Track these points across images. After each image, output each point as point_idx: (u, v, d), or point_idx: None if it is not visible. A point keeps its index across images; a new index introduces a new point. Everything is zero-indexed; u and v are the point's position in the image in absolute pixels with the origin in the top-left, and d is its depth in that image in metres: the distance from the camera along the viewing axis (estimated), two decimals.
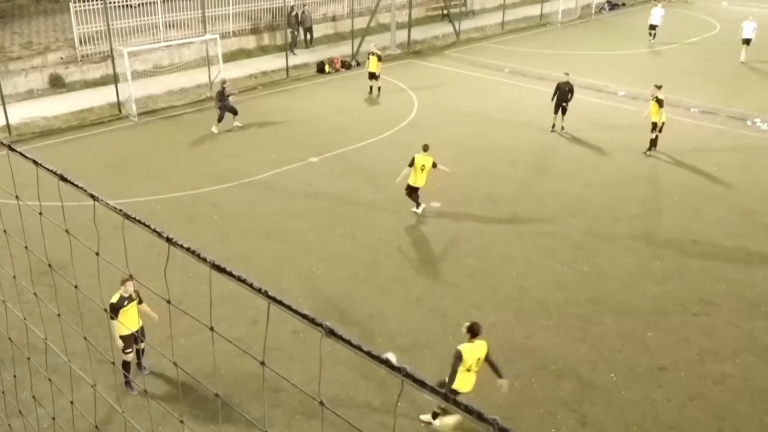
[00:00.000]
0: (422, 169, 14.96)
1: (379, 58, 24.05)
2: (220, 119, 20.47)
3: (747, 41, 29.31)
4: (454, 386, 8.88)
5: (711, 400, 10.19)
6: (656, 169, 18.33)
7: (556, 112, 20.62)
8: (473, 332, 8.86)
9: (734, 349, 11.28)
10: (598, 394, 10.25)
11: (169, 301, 2.83)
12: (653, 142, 19.23)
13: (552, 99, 20.64)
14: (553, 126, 20.77)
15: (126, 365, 10.01)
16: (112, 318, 9.29)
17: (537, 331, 11.67)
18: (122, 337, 9.71)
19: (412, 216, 15.58)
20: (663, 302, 12.54)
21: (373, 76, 24.04)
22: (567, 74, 20.75)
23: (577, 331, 11.70)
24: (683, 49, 32.31)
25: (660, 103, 18.88)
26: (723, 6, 42.68)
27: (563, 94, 20.44)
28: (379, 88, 24.20)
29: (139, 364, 10.42)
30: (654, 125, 19.05)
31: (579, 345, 11.34)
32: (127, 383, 10.15)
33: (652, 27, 32.71)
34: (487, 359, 9.00)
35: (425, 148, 15.10)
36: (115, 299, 9.49)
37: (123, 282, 9.44)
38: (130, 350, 9.92)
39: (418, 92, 24.76)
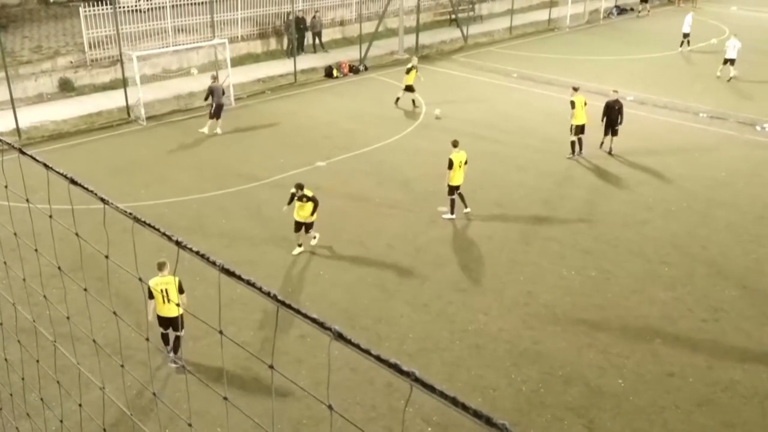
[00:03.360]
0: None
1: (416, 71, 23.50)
2: (211, 116, 20.65)
3: (731, 61, 27.16)
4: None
5: (719, 406, 10.13)
6: (664, 173, 18.26)
7: (606, 134, 19.18)
8: (297, 186, 13.79)
9: (743, 356, 11.21)
10: (606, 400, 10.21)
11: (178, 305, 2.84)
12: (573, 146, 19.16)
13: (602, 119, 19.10)
14: (602, 143, 19.45)
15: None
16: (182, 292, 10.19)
17: (545, 337, 11.63)
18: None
19: (420, 221, 15.58)
20: (671, 308, 12.49)
21: (410, 88, 23.28)
22: (616, 92, 19.29)
23: (584, 336, 11.66)
24: (692, 53, 32.24)
25: (571, 105, 18.90)
26: (732, 11, 42.58)
27: (613, 114, 18.90)
28: (398, 100, 23.68)
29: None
30: (570, 128, 19.03)
31: (587, 351, 11.30)
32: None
33: (685, 35, 32.12)
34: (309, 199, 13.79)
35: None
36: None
37: (162, 266, 10.26)
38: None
39: (425, 96, 24.76)
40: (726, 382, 10.61)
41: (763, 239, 14.96)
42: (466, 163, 15.54)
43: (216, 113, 20.67)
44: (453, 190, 15.54)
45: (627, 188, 17.51)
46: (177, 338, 10.55)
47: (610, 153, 19.35)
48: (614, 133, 19.19)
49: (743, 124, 22.24)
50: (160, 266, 10.18)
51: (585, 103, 19.21)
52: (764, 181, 17.91)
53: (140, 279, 3.02)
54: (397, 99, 23.73)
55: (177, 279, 10.11)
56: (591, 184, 17.70)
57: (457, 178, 15.44)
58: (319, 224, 15.42)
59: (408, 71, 23.41)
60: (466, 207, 15.75)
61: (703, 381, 10.64)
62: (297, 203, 13.99)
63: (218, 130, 20.84)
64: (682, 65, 30.22)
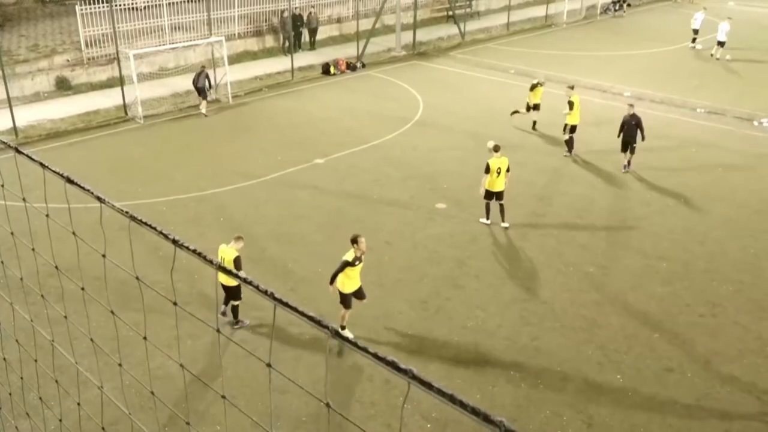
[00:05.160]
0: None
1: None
2: (200, 94, 22.30)
3: (721, 44, 29.83)
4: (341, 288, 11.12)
5: (718, 401, 10.15)
6: (661, 169, 18.26)
7: (623, 150, 17.97)
8: (352, 240, 11.00)
9: (741, 351, 11.23)
10: (605, 396, 10.23)
11: (175, 303, 2.83)
12: (569, 144, 19.17)
13: (618, 135, 18.03)
14: (624, 165, 18.14)
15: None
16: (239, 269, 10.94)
17: (543, 333, 11.65)
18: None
19: (418, 218, 15.58)
20: (669, 303, 12.51)
21: (537, 107, 21.15)
22: (632, 106, 18.10)
23: (583, 332, 11.68)
24: (689, 49, 32.24)
25: (570, 105, 18.87)
26: (729, 6, 42.56)
27: (630, 130, 17.72)
28: (515, 112, 21.70)
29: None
30: (565, 126, 19.06)
31: (585, 346, 11.31)
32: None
33: (695, 32, 32.53)
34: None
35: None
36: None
37: (237, 239, 11.25)
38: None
39: (423, 93, 24.77)
40: (724, 377, 10.63)
41: (760, 234, 14.97)
42: (508, 170, 14.69)
43: (198, 93, 22.45)
44: (489, 195, 14.92)
45: (624, 184, 17.51)
46: (234, 306, 11.43)
47: (626, 167, 18.10)
48: (632, 150, 17.89)
49: (741, 119, 22.26)
50: (235, 239, 11.22)
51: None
52: (762, 176, 17.93)
53: (137, 277, 3.02)
54: (515, 112, 21.60)
55: (236, 256, 10.90)
56: (588, 180, 17.70)
57: (493, 183, 14.72)
58: (317, 222, 15.38)
59: (532, 88, 21.08)
60: (503, 220, 15.06)
61: (701, 376, 10.66)
62: (349, 270, 10.97)
63: (203, 110, 22.41)
64: (679, 61, 30.21)
